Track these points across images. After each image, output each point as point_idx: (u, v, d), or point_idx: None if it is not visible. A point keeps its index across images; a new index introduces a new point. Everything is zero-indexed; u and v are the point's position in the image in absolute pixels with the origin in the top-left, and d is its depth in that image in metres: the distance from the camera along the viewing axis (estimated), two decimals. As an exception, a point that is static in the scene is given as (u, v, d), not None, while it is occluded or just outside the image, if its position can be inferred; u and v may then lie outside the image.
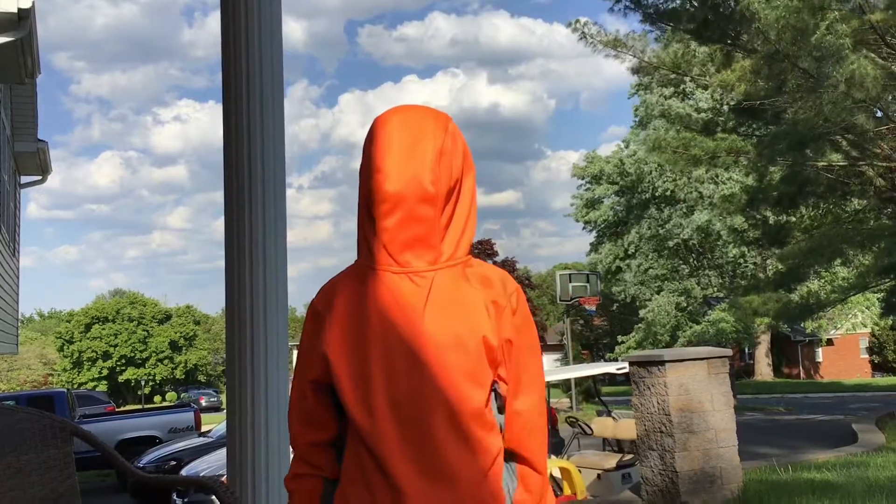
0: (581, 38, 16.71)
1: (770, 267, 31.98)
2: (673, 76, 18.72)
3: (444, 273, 1.55)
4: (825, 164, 15.17)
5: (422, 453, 1.47)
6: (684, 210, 36.64)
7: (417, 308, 1.51)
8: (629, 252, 40.33)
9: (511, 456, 1.61)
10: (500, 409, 1.60)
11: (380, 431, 1.48)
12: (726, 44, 15.66)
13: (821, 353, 48.62)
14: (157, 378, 63.07)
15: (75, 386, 53.93)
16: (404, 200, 1.52)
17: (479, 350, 1.52)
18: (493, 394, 1.57)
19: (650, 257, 39.25)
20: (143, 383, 60.44)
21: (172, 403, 35.16)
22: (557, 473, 8.76)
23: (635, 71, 17.74)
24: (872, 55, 13.25)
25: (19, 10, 7.84)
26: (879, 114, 13.89)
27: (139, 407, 31.47)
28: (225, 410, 3.09)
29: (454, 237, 1.58)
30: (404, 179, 1.52)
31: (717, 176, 33.10)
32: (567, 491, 8.68)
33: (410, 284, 1.53)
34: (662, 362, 7.06)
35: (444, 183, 1.56)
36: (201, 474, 9.46)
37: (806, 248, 16.10)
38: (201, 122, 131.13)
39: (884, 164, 14.90)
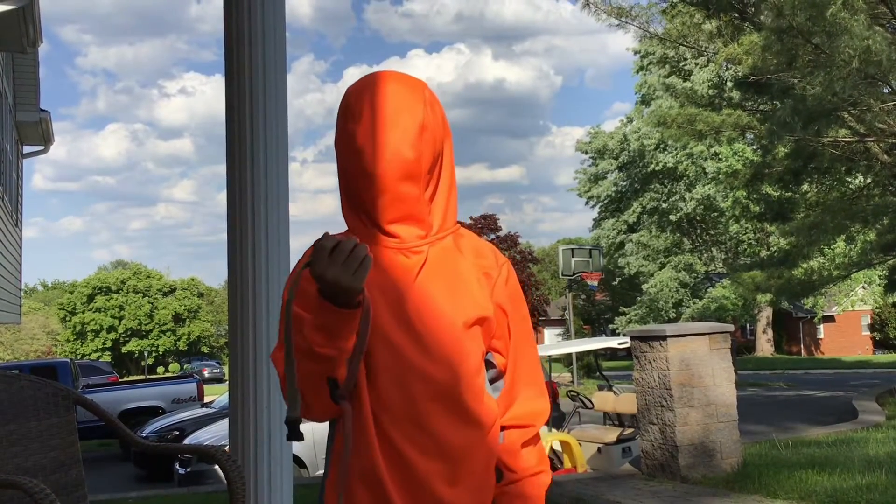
0: (584, 7, 16.44)
1: (772, 243, 31.93)
2: (671, 54, 18.52)
3: (437, 246, 1.53)
4: (831, 139, 15.06)
5: (413, 427, 1.44)
6: (685, 186, 36.55)
7: (408, 282, 1.48)
8: (631, 226, 40.29)
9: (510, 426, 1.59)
10: (492, 381, 1.58)
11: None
12: (733, 16, 15.49)
13: (822, 330, 48.68)
14: (161, 349, 63.30)
15: (79, 357, 54.12)
16: (387, 181, 1.46)
17: (470, 323, 1.51)
18: (485, 363, 1.55)
19: (653, 232, 39.20)
20: (146, 354, 60.66)
21: (175, 374, 35.34)
22: (558, 447, 8.82)
23: (637, 51, 17.56)
24: (880, 28, 13.11)
25: (20, -22, 7.80)
26: (887, 90, 13.76)
27: (142, 378, 31.58)
28: (227, 382, 3.10)
29: (440, 209, 1.55)
30: (385, 158, 1.46)
31: (717, 154, 32.96)
32: (567, 464, 8.74)
33: (404, 259, 1.50)
34: (664, 337, 7.07)
35: (426, 158, 1.50)
36: (204, 444, 9.52)
37: (809, 223, 16.02)
38: (207, 96, 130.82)
39: (890, 140, 14.80)
